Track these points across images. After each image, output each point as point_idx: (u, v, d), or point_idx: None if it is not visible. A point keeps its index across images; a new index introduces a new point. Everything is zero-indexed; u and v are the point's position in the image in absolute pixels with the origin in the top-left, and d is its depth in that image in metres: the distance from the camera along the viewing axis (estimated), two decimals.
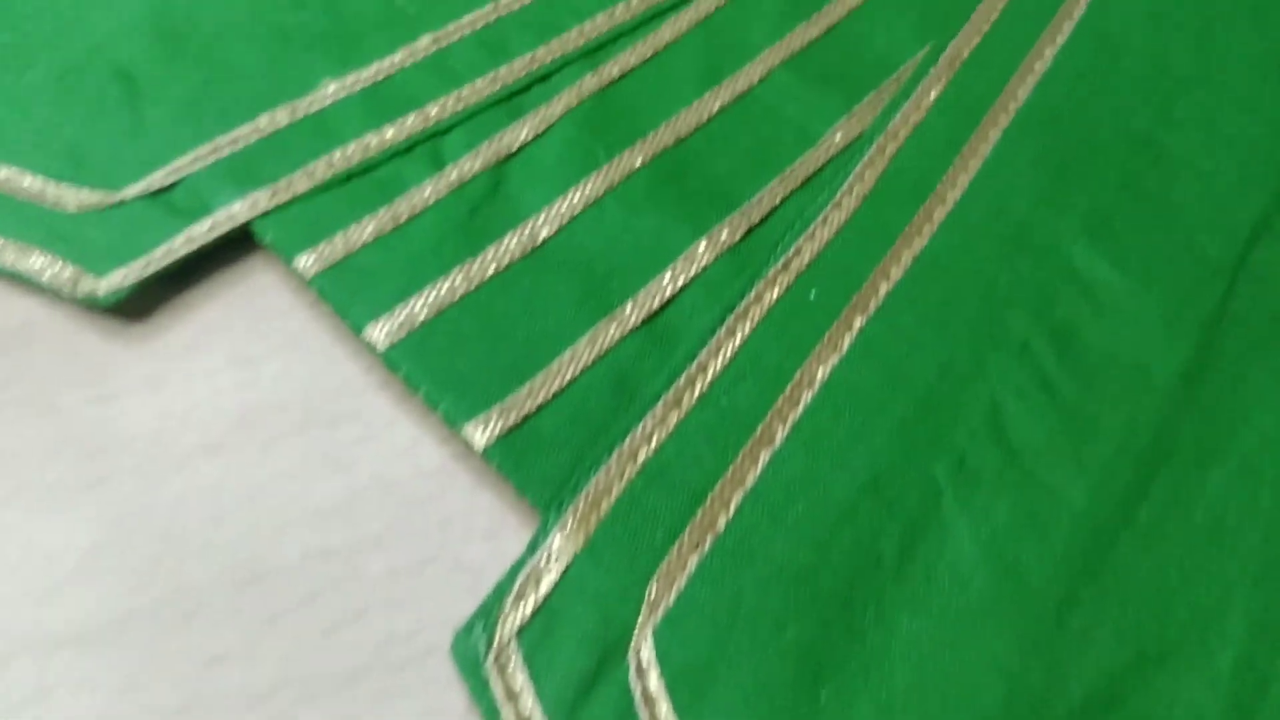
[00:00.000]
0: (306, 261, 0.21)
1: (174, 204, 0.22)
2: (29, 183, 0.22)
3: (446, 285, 0.21)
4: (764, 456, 0.19)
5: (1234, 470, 0.20)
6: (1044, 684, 0.17)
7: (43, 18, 0.25)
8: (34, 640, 0.18)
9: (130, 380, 0.20)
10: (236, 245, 0.22)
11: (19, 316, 0.21)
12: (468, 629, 0.17)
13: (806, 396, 0.20)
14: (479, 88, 0.24)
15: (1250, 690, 0.18)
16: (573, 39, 0.25)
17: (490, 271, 0.21)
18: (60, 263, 0.21)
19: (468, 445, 0.19)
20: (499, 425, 0.19)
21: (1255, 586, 0.19)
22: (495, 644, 0.17)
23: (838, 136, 0.23)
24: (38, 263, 0.21)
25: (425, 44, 0.25)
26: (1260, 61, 0.25)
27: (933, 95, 0.24)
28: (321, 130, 0.23)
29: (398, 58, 0.24)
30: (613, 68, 0.24)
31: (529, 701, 0.17)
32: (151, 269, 0.21)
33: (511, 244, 0.21)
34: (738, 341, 0.20)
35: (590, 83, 0.24)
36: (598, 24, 0.25)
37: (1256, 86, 0.24)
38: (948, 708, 0.17)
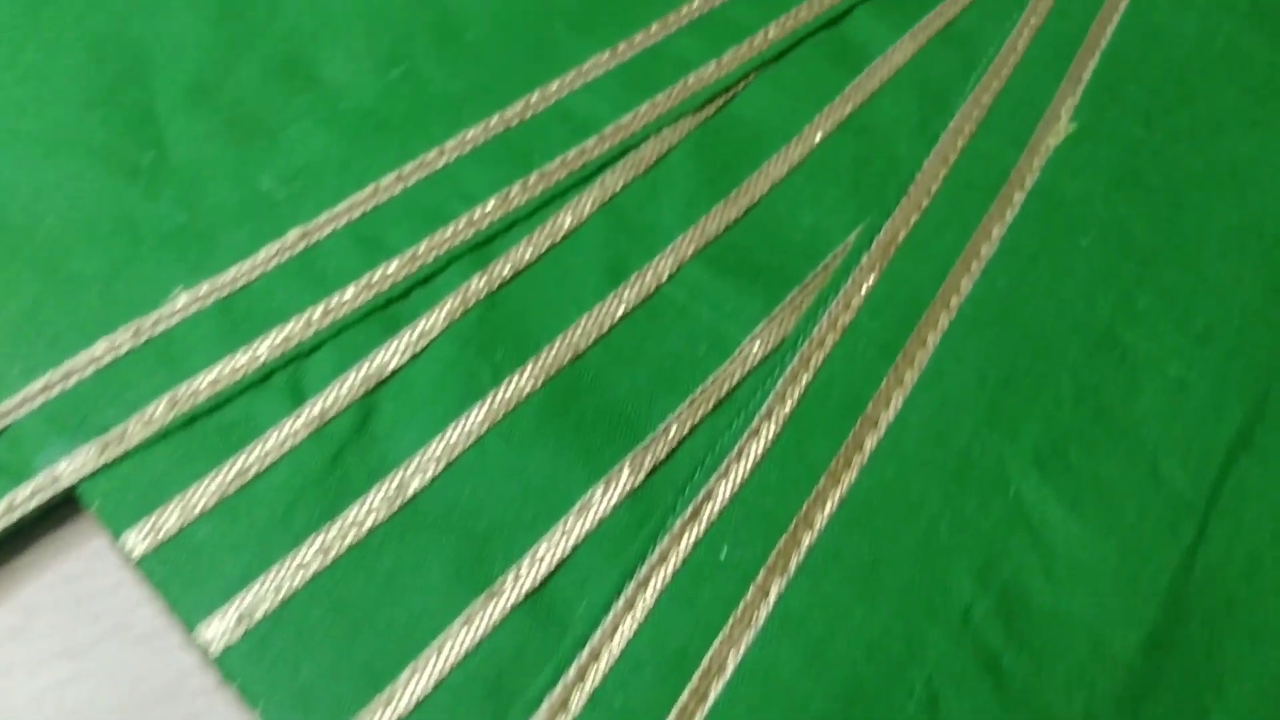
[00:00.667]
0: (135, 539, 0.18)
1: None
2: None
3: (296, 563, 0.18)
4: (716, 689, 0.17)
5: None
6: None
7: None
8: None
9: None
10: (66, 502, 0.19)
11: None
12: None
13: (715, 689, 0.17)
14: (350, 295, 0.21)
15: None
16: (460, 229, 0.22)
17: (349, 540, 0.18)
18: None
19: None
20: None
21: None
22: None
23: (756, 346, 0.21)
24: None
25: (293, 239, 0.22)
26: (1237, 235, 0.22)
27: (864, 289, 0.21)
28: (166, 357, 0.20)
29: (261, 257, 0.22)
30: (504, 265, 0.22)
31: None
32: None
33: (376, 500, 0.19)
34: (638, 617, 0.18)
35: (478, 285, 0.21)
36: (489, 210, 0.22)
37: (1233, 265, 0.22)
38: None
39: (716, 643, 0.18)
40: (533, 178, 0.23)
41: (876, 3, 0.26)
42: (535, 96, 0.24)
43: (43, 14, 0.26)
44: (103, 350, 0.20)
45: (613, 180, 0.23)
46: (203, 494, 0.19)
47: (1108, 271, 0.22)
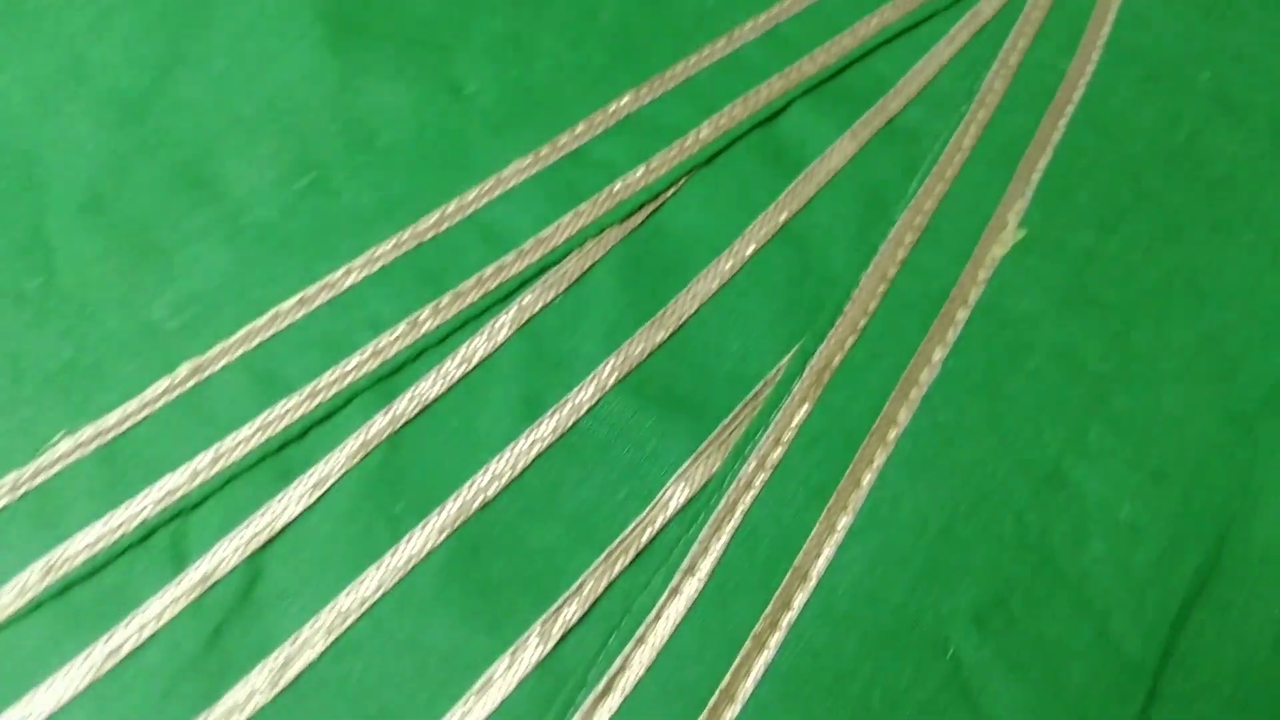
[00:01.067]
0: None
1: None
2: None
3: None
4: None
5: None
6: None
7: None
8: None
9: None
10: None
11: None
12: None
13: None
14: (243, 437, 0.20)
15: None
16: (364, 360, 0.21)
17: None
18: None
19: None
20: None
21: None
22: None
23: (680, 489, 0.20)
24: None
25: (184, 375, 0.21)
26: (1195, 357, 0.21)
27: (796, 423, 0.20)
28: (43, 515, 0.19)
29: (149, 395, 0.20)
30: (410, 400, 0.20)
31: None
32: None
33: (259, 680, 0.17)
34: None
35: (381, 424, 0.20)
36: (397, 336, 0.21)
37: (1191, 391, 0.21)
38: None
39: None
40: (445, 299, 0.22)
41: (815, 97, 0.25)
42: (451, 207, 0.23)
43: None
44: None
45: (531, 300, 0.22)
46: (73, 677, 0.17)
47: (1056, 399, 0.21)
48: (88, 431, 0.20)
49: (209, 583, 0.18)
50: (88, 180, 0.23)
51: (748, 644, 0.18)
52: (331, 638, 0.18)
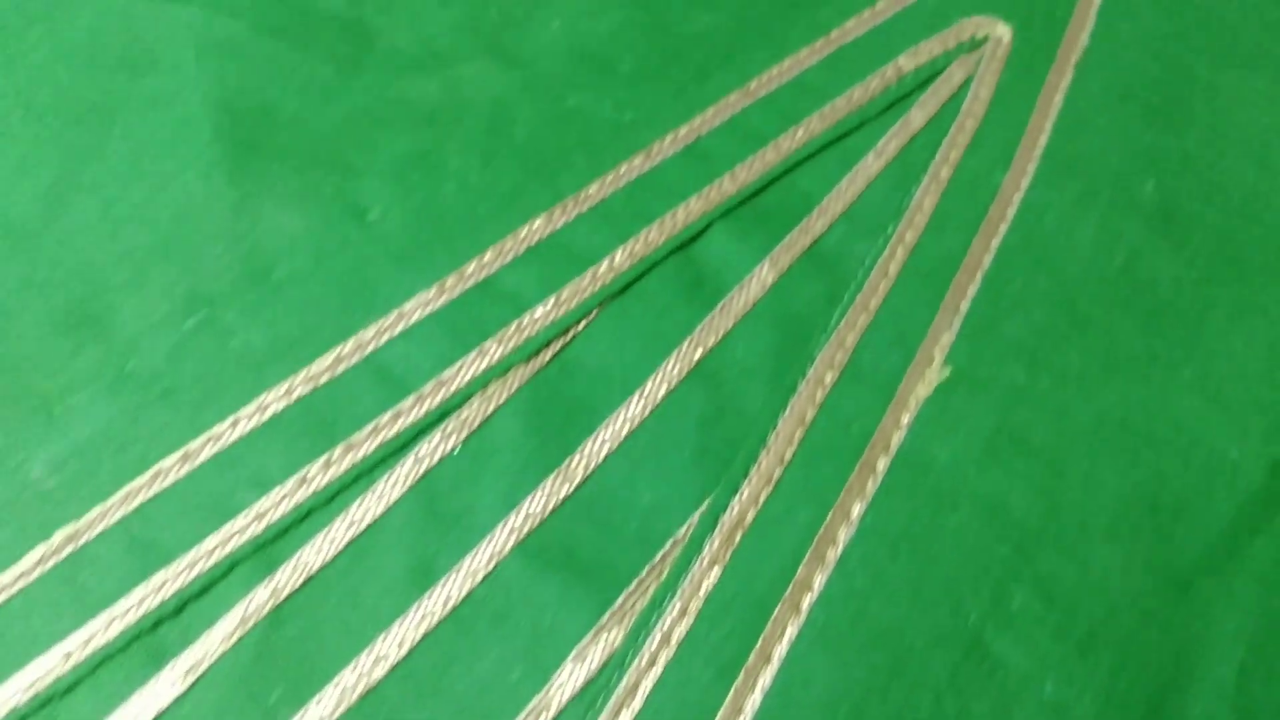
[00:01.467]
0: None
1: None
2: None
3: None
4: None
5: None
6: None
7: None
8: None
9: None
10: None
11: None
12: None
13: None
14: (116, 614, 0.19)
15: None
16: (247, 524, 0.20)
17: None
18: None
19: None
20: None
21: None
22: None
23: (578, 669, 0.19)
24: None
25: (59, 542, 0.20)
26: (1128, 510, 0.20)
27: (705, 590, 0.19)
28: None
29: (24, 565, 0.19)
30: (292, 570, 0.19)
31: None
32: None
33: None
34: None
35: (261, 598, 0.19)
36: (284, 496, 0.20)
37: (1123, 548, 0.20)
38: None
39: None
40: (337, 451, 0.21)
41: (735, 218, 0.24)
42: (349, 346, 0.22)
43: None
44: None
45: (428, 451, 0.21)
46: None
47: (979, 559, 0.20)
48: None
49: None
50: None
51: None
52: None
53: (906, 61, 0.26)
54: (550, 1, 0.27)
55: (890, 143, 0.25)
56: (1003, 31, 0.27)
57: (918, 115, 0.25)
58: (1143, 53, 0.26)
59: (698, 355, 0.22)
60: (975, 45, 0.26)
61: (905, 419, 0.21)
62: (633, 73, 0.26)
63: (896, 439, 0.21)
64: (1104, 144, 0.25)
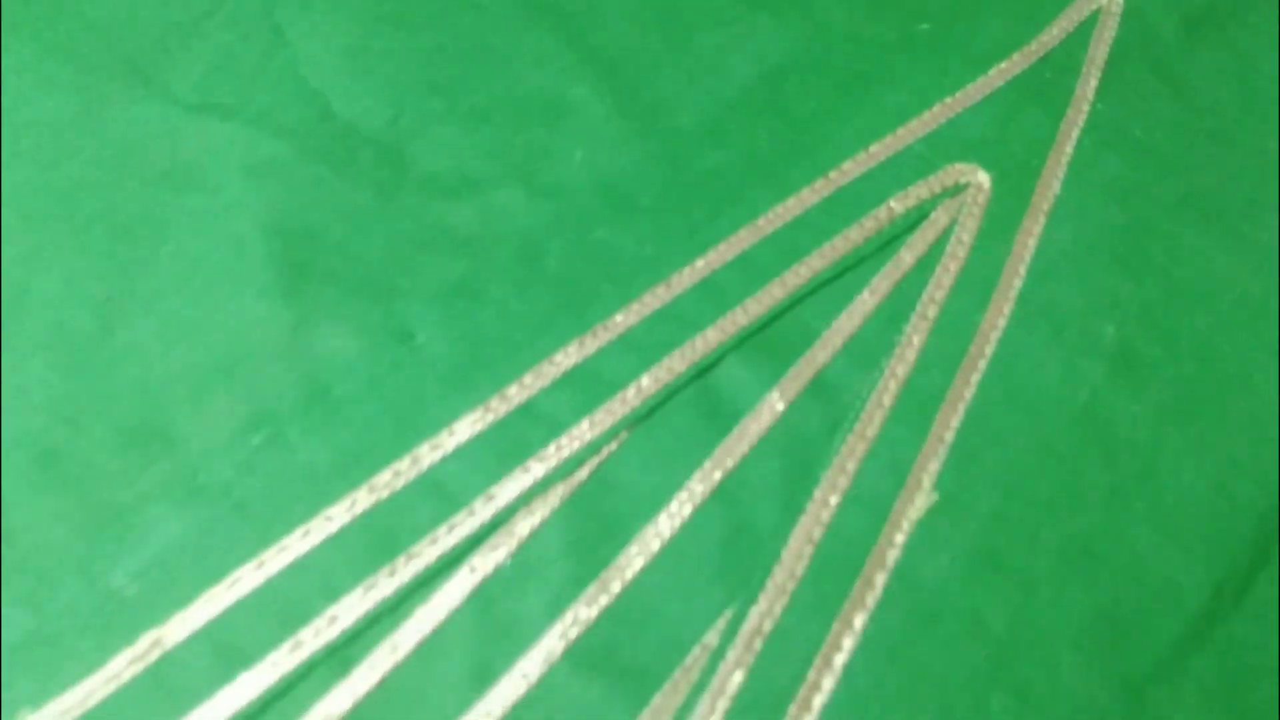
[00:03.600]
0: None
1: None
2: None
3: None
4: None
5: None
6: None
7: None
8: None
9: None
10: None
11: None
12: None
13: None
14: (205, 718, 0.23)
15: None
16: (322, 629, 0.24)
17: None
18: None
19: None
20: None
21: None
22: None
23: None
24: None
25: (144, 647, 0.23)
26: (1090, 624, 0.26)
27: (730, 690, 0.24)
28: None
29: (111, 669, 0.23)
30: (368, 672, 0.24)
31: None
32: None
33: None
34: None
35: (340, 698, 0.23)
36: (352, 602, 0.24)
37: (1087, 658, 0.25)
38: None
39: None
40: (400, 561, 0.25)
41: (747, 349, 0.29)
42: (405, 462, 0.26)
43: None
44: None
45: (482, 562, 0.25)
46: None
47: (963, 668, 0.25)
48: (51, 708, 0.23)
49: None
50: (41, 430, 0.26)
51: None
52: None
53: (897, 204, 0.31)
54: (573, 132, 0.32)
55: (883, 281, 0.30)
56: (982, 179, 0.32)
57: (907, 255, 0.31)
58: (1109, 202, 0.32)
59: (717, 477, 0.27)
60: (958, 190, 0.32)
61: (899, 539, 0.26)
62: (652, 207, 0.31)
63: (892, 557, 0.26)
64: (1071, 289, 0.30)
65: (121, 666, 0.23)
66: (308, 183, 0.30)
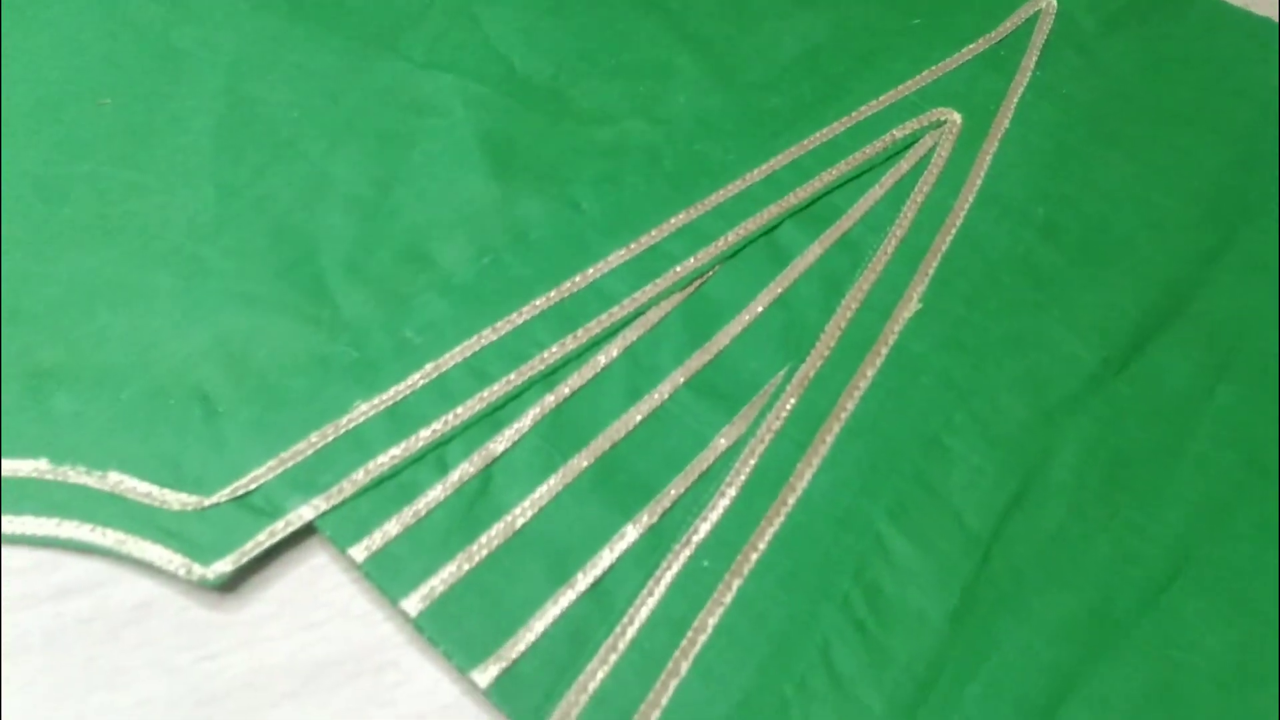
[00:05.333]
0: (357, 551, 0.33)
1: (254, 506, 0.34)
2: (138, 486, 0.34)
3: (454, 567, 0.33)
4: (672, 684, 0.32)
5: (984, 686, 0.33)
6: None
7: (129, 342, 0.37)
8: None
9: (229, 642, 0.32)
10: (300, 530, 0.34)
11: (142, 594, 0.33)
12: None
13: (700, 640, 0.32)
14: (470, 406, 0.37)
15: None
16: (535, 365, 0.38)
17: (484, 555, 0.33)
18: (172, 554, 0.33)
19: (475, 685, 0.31)
20: (495, 670, 0.31)
21: None
22: None
23: (721, 441, 0.37)
24: (155, 554, 0.33)
25: (428, 370, 0.37)
26: (1019, 380, 0.39)
27: (788, 408, 0.38)
28: (357, 444, 0.35)
29: (408, 382, 0.37)
30: (563, 389, 0.37)
31: None
32: (243, 559, 0.33)
33: (496, 532, 0.34)
34: (653, 602, 0.33)
35: (548, 401, 0.37)
36: (553, 352, 0.38)
37: (1022, 398, 0.39)
38: None
39: (701, 614, 0.33)
40: (579, 333, 0.39)
41: (797, 220, 0.43)
42: (577, 279, 0.40)
43: (233, 209, 0.41)
44: (315, 439, 0.35)
45: (632, 334, 0.39)
46: (394, 528, 0.33)
47: (938, 401, 0.38)
48: (376, 400, 0.36)
49: (462, 482, 0.35)
50: (346, 254, 0.40)
51: (763, 521, 0.35)
52: (536, 509, 0.34)
53: (899, 132, 0.46)
54: (677, 85, 0.47)
55: (888, 179, 0.44)
56: (956, 117, 0.46)
57: (904, 164, 0.45)
58: (1041, 133, 0.46)
59: (778, 291, 0.41)
60: (939, 125, 0.46)
61: (896, 329, 0.40)
62: (732, 131, 0.45)
63: (891, 340, 0.40)
64: (1013, 186, 0.44)
65: (416, 380, 0.37)
66: (503, 112, 0.45)
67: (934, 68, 0.48)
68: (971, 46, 0.49)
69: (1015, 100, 0.47)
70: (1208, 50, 0.50)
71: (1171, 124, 0.47)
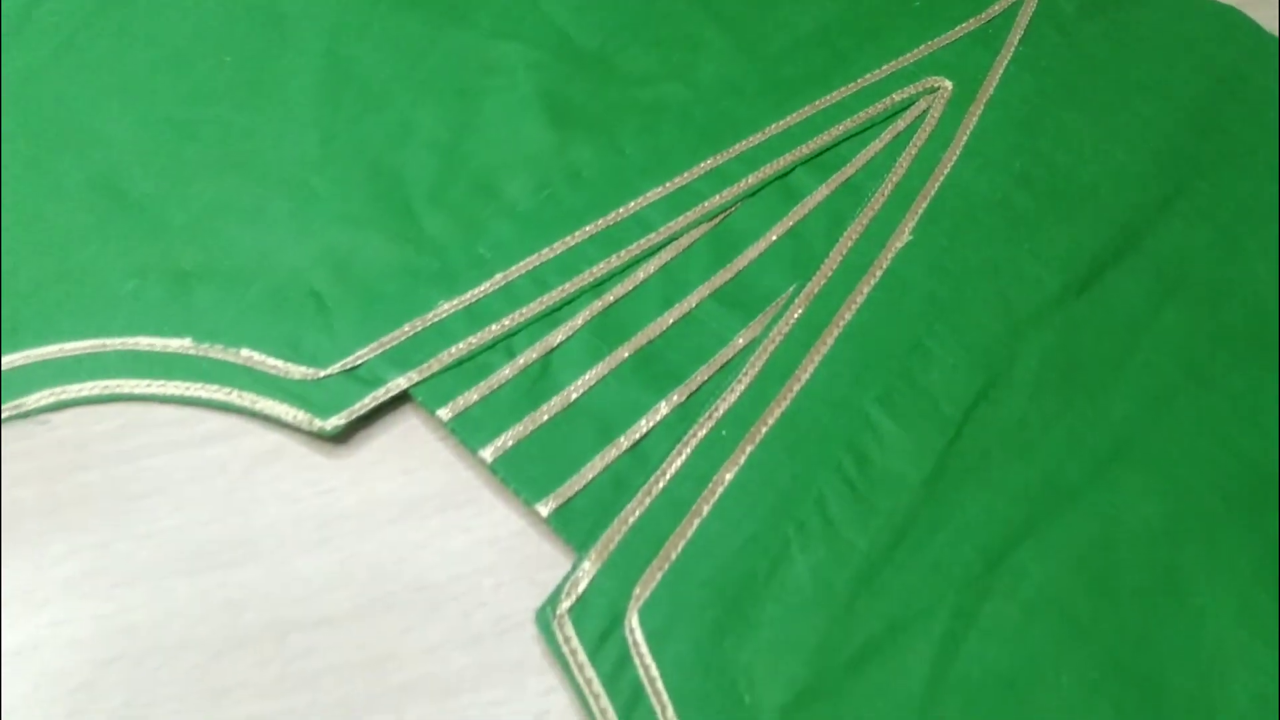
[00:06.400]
0: (443, 412, 0.41)
1: (360, 377, 0.42)
2: (266, 360, 0.42)
3: (521, 428, 0.41)
4: (695, 523, 0.39)
5: (950, 534, 0.40)
6: (831, 643, 0.37)
7: (253, 251, 0.45)
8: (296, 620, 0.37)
9: (341, 480, 0.40)
10: (397, 397, 0.42)
11: (271, 443, 0.41)
12: (543, 610, 0.37)
13: (719, 490, 0.40)
14: (532, 307, 0.44)
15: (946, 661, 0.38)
16: (586, 277, 0.45)
17: (544, 419, 0.41)
18: (297, 411, 0.40)
19: (538, 516, 0.39)
20: (554, 504, 0.39)
21: (959, 593, 0.39)
22: (557, 616, 0.37)
23: (740, 340, 0.44)
24: (282, 410, 0.40)
25: (498, 279, 0.45)
26: (992, 299, 0.46)
27: (796, 316, 0.45)
28: (441, 334, 0.43)
29: (482, 288, 0.45)
30: (609, 296, 0.45)
31: (575, 644, 0.36)
32: (352, 416, 0.40)
33: (555, 403, 0.42)
34: (681, 460, 0.41)
35: (596, 305, 0.45)
36: (600, 267, 0.46)
37: (988, 312, 0.46)
38: (777, 653, 0.37)
39: (720, 470, 0.40)
40: (622, 253, 0.46)
41: (808, 167, 0.50)
42: (621, 210, 0.48)
43: (334, 148, 0.49)
44: (407, 329, 0.43)
45: (667, 255, 0.47)
46: (474, 395, 0.41)
47: (922, 313, 0.46)
48: (457, 300, 0.44)
49: (528, 364, 0.43)
50: (427, 187, 0.48)
51: (773, 403, 0.42)
52: (587, 387, 0.42)
53: (898, 95, 0.53)
54: (707, 55, 0.54)
55: (887, 135, 0.52)
56: (948, 85, 0.54)
57: (901, 123, 0.52)
58: (1021, 100, 0.53)
59: (790, 224, 0.48)
60: (933, 90, 0.54)
61: (888, 256, 0.47)
62: (753, 94, 0.53)
63: (885, 265, 0.47)
64: (995, 143, 0.52)
65: (486, 287, 0.45)
66: (558, 74, 0.53)
67: (930, 43, 0.55)
68: (963, 25, 0.56)
69: (1000, 71, 0.55)
70: (1172, 32, 0.58)
71: (1135, 93, 0.55)
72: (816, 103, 0.53)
